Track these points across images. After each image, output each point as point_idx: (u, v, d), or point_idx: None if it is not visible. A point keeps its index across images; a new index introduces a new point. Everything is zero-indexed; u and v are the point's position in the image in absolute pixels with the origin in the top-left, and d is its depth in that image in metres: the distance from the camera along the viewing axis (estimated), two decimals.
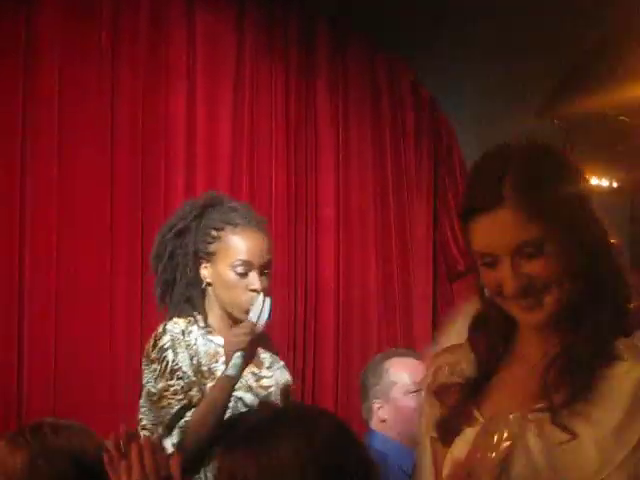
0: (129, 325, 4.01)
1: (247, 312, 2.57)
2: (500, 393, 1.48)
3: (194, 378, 2.51)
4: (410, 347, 4.12)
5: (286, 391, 2.73)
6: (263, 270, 2.64)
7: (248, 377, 2.62)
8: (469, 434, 1.44)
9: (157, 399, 2.51)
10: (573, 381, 1.38)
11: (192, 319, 2.62)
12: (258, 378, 2.66)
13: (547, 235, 1.39)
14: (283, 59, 4.74)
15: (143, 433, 2.48)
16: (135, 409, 4.00)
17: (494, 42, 4.75)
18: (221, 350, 2.57)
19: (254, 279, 2.60)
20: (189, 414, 2.48)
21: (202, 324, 2.62)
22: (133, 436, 1.80)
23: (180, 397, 2.48)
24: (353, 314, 4.88)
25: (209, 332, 2.62)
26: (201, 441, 2.46)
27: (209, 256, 2.64)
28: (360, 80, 5.07)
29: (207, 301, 2.66)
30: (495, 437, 1.37)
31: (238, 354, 2.47)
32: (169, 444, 2.46)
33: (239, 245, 2.62)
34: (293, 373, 3.07)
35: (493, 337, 1.51)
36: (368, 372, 3.23)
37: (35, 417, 3.58)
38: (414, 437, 3.02)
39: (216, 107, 4.44)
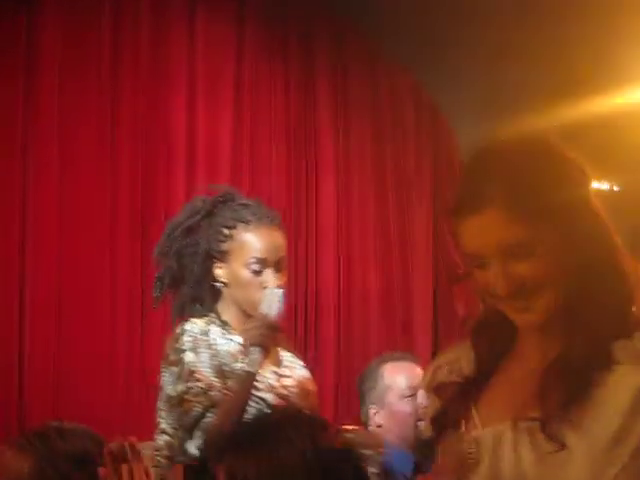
0: (130, 325, 4.02)
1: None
2: (497, 394, 1.46)
3: (215, 379, 2.43)
4: (408, 351, 4.10)
5: (306, 392, 2.64)
6: (278, 267, 2.55)
7: (269, 376, 2.54)
8: (463, 438, 1.44)
9: (177, 402, 2.42)
10: (567, 387, 1.34)
11: (210, 318, 2.55)
12: (279, 377, 2.58)
13: (537, 236, 1.35)
14: (283, 61, 4.75)
15: (163, 437, 2.42)
16: (135, 408, 4.03)
17: (495, 44, 4.75)
18: (242, 349, 2.49)
19: (269, 277, 2.52)
20: (210, 415, 2.40)
21: (220, 323, 2.55)
22: (123, 452, 1.78)
23: (201, 399, 2.40)
24: (353, 318, 4.88)
25: (228, 331, 2.54)
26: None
27: (222, 255, 2.56)
28: (360, 82, 5.08)
29: (222, 301, 2.59)
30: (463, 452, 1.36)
31: (255, 349, 2.41)
32: (192, 447, 2.40)
33: (252, 243, 2.54)
34: None
35: (494, 337, 1.49)
36: (364, 377, 3.22)
37: (36, 416, 3.61)
38: (412, 441, 3.05)
39: (216, 110, 4.45)
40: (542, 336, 1.43)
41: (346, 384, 4.67)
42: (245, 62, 4.57)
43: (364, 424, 3.20)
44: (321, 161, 4.88)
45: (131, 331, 4.00)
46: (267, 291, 2.49)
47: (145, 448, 2.21)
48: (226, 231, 2.56)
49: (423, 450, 2.92)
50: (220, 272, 2.57)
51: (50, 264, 3.83)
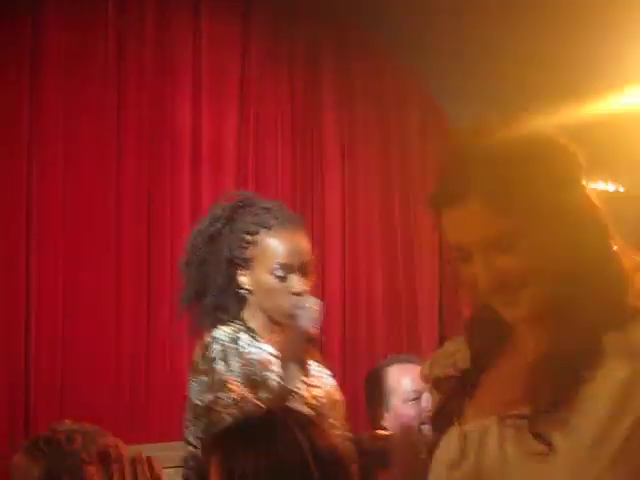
0: (135, 326, 4.02)
1: (291, 317, 2.43)
2: (488, 388, 1.43)
3: (246, 388, 2.35)
4: (414, 352, 4.08)
5: (334, 402, 2.59)
6: (304, 271, 2.48)
7: (299, 386, 2.48)
8: (454, 432, 1.42)
9: (203, 412, 2.34)
10: (555, 384, 1.30)
11: (238, 326, 2.47)
12: (308, 387, 2.53)
13: (520, 230, 1.30)
14: (289, 60, 4.75)
15: (188, 448, 2.36)
16: (140, 409, 4.03)
17: (498, 45, 4.74)
18: (272, 358, 2.44)
19: (295, 282, 2.45)
20: None
21: (247, 331, 2.47)
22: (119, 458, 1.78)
23: (232, 410, 2.30)
24: (359, 319, 4.87)
25: (257, 339, 2.47)
26: None
27: (246, 262, 2.48)
28: (366, 82, 5.07)
29: (247, 308, 2.51)
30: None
31: (292, 365, 2.38)
32: None
33: (276, 248, 2.46)
34: None
35: (488, 332, 1.45)
36: (370, 380, 3.21)
37: (42, 416, 3.61)
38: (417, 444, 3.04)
39: (221, 107, 4.44)
40: (534, 331, 1.39)
41: (352, 385, 4.65)
42: (250, 60, 4.56)
43: (372, 426, 3.19)
44: (326, 160, 4.88)
45: (137, 331, 3.99)
46: (306, 301, 2.42)
47: (155, 450, 2.20)
48: (248, 237, 2.48)
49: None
50: (244, 279, 2.49)
51: (55, 263, 3.83)
